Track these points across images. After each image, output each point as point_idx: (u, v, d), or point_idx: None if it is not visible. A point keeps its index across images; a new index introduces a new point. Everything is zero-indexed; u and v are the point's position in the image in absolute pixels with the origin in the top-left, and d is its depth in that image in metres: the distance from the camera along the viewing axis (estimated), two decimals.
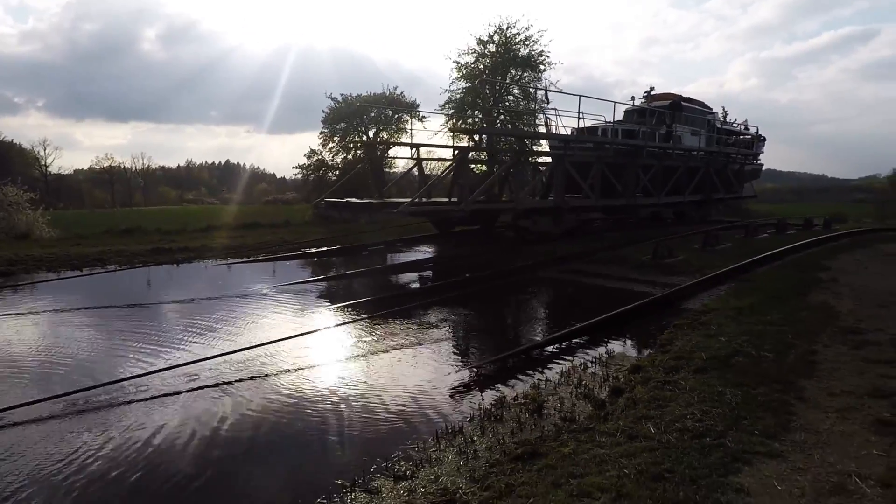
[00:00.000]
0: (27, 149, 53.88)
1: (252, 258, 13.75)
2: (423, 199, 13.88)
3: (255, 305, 8.81)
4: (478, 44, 28.16)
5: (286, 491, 3.65)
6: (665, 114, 18.32)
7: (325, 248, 15.23)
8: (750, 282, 9.24)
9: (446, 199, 15.34)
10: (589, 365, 5.77)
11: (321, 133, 30.12)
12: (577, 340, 6.63)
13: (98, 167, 62.48)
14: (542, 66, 28.07)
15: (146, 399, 5.07)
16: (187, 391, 5.25)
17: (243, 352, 6.21)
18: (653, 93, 20.67)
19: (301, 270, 12.51)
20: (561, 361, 5.96)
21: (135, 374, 5.55)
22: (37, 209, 20.29)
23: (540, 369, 5.70)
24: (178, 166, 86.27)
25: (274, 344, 6.43)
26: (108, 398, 5.08)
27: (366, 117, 29.54)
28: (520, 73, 28.64)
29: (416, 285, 11.03)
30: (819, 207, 27.21)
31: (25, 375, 5.71)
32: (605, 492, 3.14)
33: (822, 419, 4.02)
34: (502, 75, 28.32)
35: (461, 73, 28.87)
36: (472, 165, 21.30)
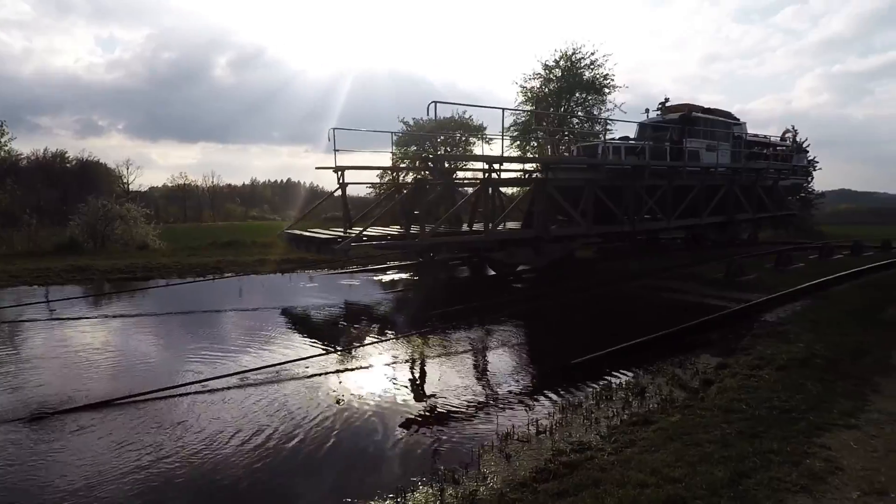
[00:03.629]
0: (111, 168, 58.83)
1: (345, 269, 15.21)
2: (368, 234, 11.90)
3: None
4: (543, 69, 29.49)
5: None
6: (673, 128, 16.55)
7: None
8: (826, 299, 9.76)
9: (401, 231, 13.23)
10: (678, 363, 6.64)
11: (392, 154, 31.93)
12: (663, 345, 7.49)
13: (172, 185, 67.47)
14: (606, 90, 29.07)
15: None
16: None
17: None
18: (668, 104, 18.71)
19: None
20: (654, 360, 6.85)
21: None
22: (149, 223, 22.89)
23: (637, 365, 6.63)
24: (244, 184, 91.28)
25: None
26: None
27: (436, 140, 31.12)
28: (584, 96, 29.69)
29: None
30: None
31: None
32: (712, 443, 4.09)
33: (894, 405, 4.78)
34: (566, 99, 29.42)
35: (526, 97, 30.26)
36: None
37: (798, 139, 30.99)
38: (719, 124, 17.71)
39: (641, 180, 14.45)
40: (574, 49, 28.69)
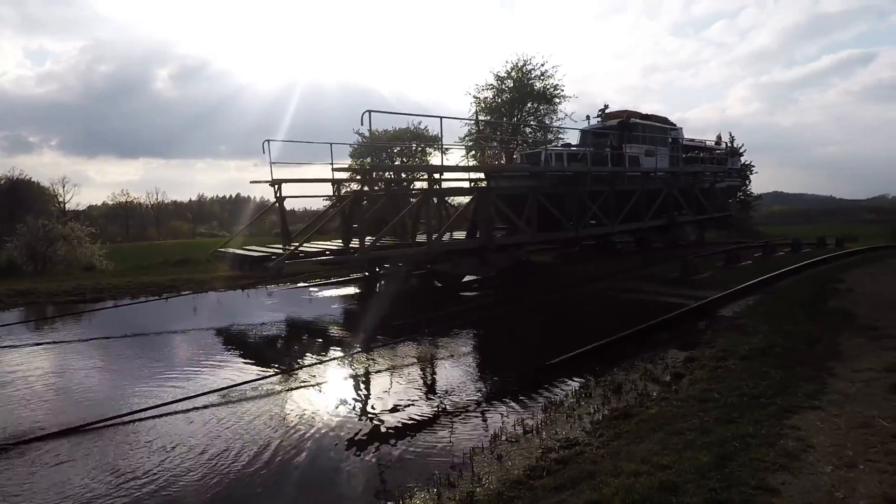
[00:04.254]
0: (45, 186, 55.84)
1: (307, 283, 14.97)
2: (306, 249, 11.26)
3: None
4: (496, 79, 30.12)
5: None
6: (612, 134, 16.55)
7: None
8: (774, 293, 10.36)
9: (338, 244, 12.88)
10: (648, 359, 6.90)
11: (349, 166, 31.70)
12: (632, 342, 7.76)
13: (113, 202, 64.68)
14: (556, 99, 29.98)
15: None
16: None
17: None
18: (608, 111, 18.82)
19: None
20: (624, 357, 7.08)
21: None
22: (94, 243, 21.80)
23: (609, 363, 6.84)
24: (190, 200, 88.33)
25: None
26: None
27: (391, 151, 31.14)
28: (535, 106, 30.50)
29: None
30: (830, 228, 28.30)
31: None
32: (693, 431, 4.29)
33: (849, 386, 5.14)
34: (519, 109, 30.14)
35: (480, 108, 30.79)
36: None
37: (735, 145, 32.90)
38: (657, 129, 17.84)
39: (584, 186, 14.59)
40: (525, 60, 29.45)
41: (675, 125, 19.15)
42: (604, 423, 4.85)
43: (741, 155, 32.96)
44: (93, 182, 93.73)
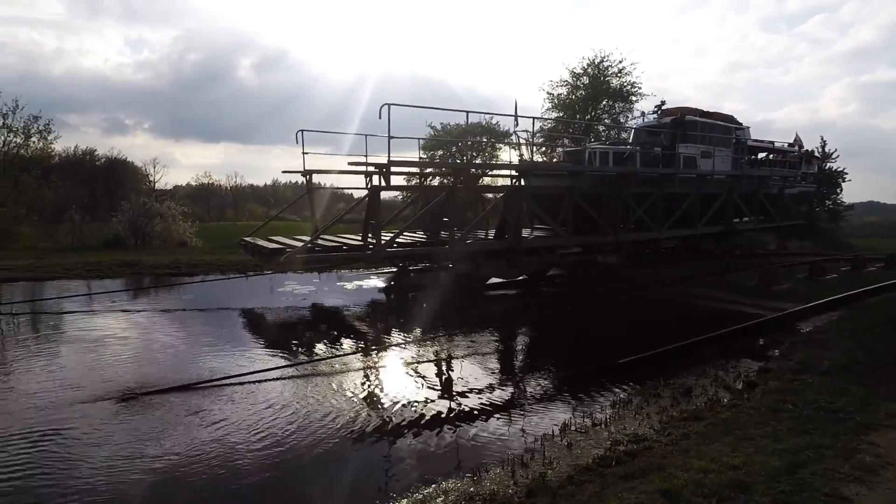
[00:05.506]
0: (139, 166, 60.21)
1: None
2: (320, 244, 11.21)
3: None
4: (571, 76, 29.76)
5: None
6: (665, 133, 15.57)
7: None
8: (861, 309, 9.87)
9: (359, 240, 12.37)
10: (720, 366, 6.88)
11: (420, 159, 32.37)
12: (704, 349, 7.73)
13: (196, 184, 68.98)
14: (633, 97, 29.25)
15: None
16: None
17: None
18: (665, 107, 17.84)
19: None
20: (695, 363, 7.09)
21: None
22: (185, 221, 23.64)
23: (680, 367, 6.88)
24: (265, 184, 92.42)
25: None
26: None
27: (461, 144, 31.49)
28: (611, 104, 29.91)
29: None
30: None
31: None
32: (765, 437, 4.36)
33: None
34: (593, 106, 29.66)
35: (553, 104, 30.54)
36: None
37: (826, 149, 30.76)
38: (718, 129, 16.54)
39: (628, 188, 13.67)
40: (602, 57, 28.93)
41: (740, 124, 17.82)
42: (672, 423, 4.98)
43: (829, 159, 30.76)
44: (178, 164, 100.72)
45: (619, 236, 13.74)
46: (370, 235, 11.65)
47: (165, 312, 9.84)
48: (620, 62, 28.75)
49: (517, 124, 15.37)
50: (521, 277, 12.88)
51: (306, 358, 7.25)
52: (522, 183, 12.80)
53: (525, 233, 13.46)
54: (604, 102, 29.68)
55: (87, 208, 28.07)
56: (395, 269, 14.10)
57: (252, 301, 10.99)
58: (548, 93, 30.38)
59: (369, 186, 12.00)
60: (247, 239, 12.45)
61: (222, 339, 8.17)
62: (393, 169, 11.48)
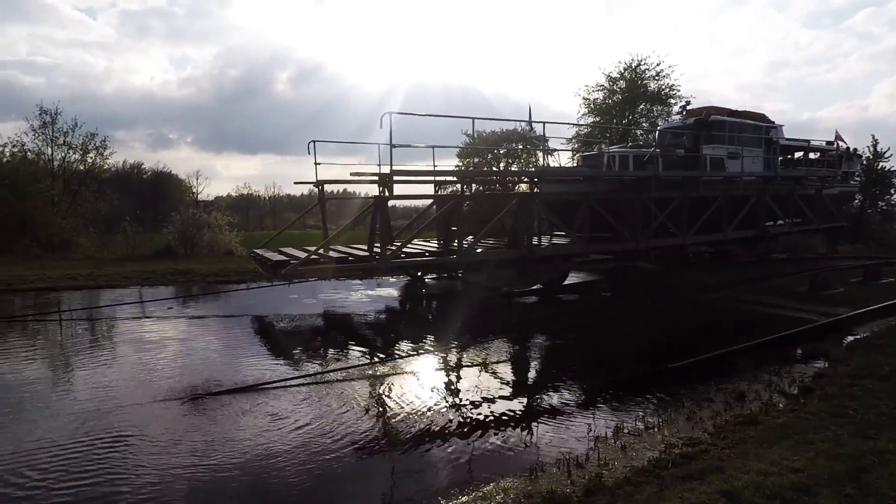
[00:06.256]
0: (182, 178, 62.49)
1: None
2: (324, 254, 10.95)
3: None
4: (607, 80, 29.54)
5: None
6: (688, 134, 15.03)
7: None
8: None
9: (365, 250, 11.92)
10: (773, 371, 6.77)
11: (456, 167, 32.63)
12: (756, 355, 7.61)
13: (236, 194, 71.10)
14: (671, 100, 28.79)
15: None
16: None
17: None
18: (689, 107, 17.15)
19: None
20: (748, 368, 7.00)
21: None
22: (232, 231, 24.46)
23: (731, 371, 6.81)
24: (302, 194, 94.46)
25: None
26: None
27: (497, 151, 31.60)
28: (648, 107, 29.51)
29: None
30: None
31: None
32: (825, 442, 4.32)
33: None
34: (630, 110, 29.33)
35: (589, 109, 30.35)
36: None
37: (879, 148, 29.45)
38: (748, 128, 15.83)
39: (648, 192, 13.06)
40: (639, 60, 28.64)
41: (772, 122, 16.98)
42: (727, 427, 4.97)
43: (881, 158, 29.38)
44: (219, 175, 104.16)
45: (639, 243, 13.14)
46: (376, 245, 11.20)
47: (229, 318, 10.30)
48: (658, 65, 28.37)
49: (531, 130, 15.13)
50: (535, 287, 12.41)
51: (379, 358, 7.48)
52: (538, 189, 12.58)
53: (546, 241, 13.20)
54: (641, 106, 29.32)
55: (137, 219, 29.35)
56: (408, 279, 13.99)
57: (292, 308, 11.36)
58: (584, 98, 30.17)
59: (373, 196, 11.68)
60: (257, 251, 12.29)
61: (276, 341, 8.52)
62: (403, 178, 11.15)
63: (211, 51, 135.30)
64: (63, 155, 26.08)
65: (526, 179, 13.70)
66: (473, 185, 16.96)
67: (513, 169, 25.87)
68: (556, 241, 13.38)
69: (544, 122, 12.63)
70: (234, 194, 73.41)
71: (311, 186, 12.80)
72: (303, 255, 10.66)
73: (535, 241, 12.32)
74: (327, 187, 13.01)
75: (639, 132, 28.93)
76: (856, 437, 4.38)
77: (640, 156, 13.80)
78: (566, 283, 13.22)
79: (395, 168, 10.27)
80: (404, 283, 14.27)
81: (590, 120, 29.78)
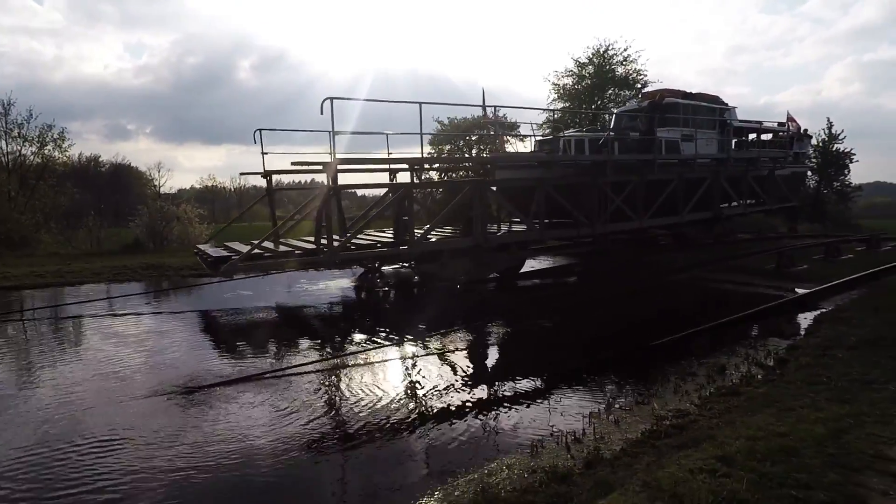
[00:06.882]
0: (142, 171, 60.47)
1: None
2: (270, 248, 10.46)
3: None
4: (576, 66, 29.85)
5: None
6: (641, 117, 14.94)
7: None
8: (882, 288, 10.06)
9: (312, 246, 10.92)
10: (749, 345, 7.11)
11: (428, 154, 32.53)
12: (730, 330, 7.96)
13: (200, 186, 69.23)
14: (638, 85, 29.29)
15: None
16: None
17: None
18: (644, 90, 17.13)
19: None
20: (723, 343, 7.32)
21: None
22: (202, 223, 23.93)
23: (710, 347, 7.12)
24: (279, 184, 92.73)
25: None
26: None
27: (469, 138, 31.63)
28: (617, 92, 29.96)
29: None
30: None
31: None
32: (805, 408, 4.58)
33: None
34: (599, 95, 29.74)
35: (559, 94, 30.66)
36: None
37: (833, 130, 30.64)
38: (702, 110, 15.79)
39: (604, 176, 12.89)
40: (607, 45, 29.00)
41: (726, 104, 17.06)
42: (712, 399, 5.21)
43: (836, 140, 30.50)
44: (181, 167, 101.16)
45: (595, 228, 13.04)
46: (323, 237, 10.51)
47: (199, 312, 10.14)
48: (625, 50, 28.80)
49: (484, 114, 14.52)
50: (491, 276, 12.33)
51: (370, 345, 7.50)
52: (492, 177, 12.48)
53: (505, 228, 13.24)
54: (609, 91, 29.74)
55: (100, 213, 28.39)
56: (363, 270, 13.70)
57: (271, 299, 11.27)
58: (553, 83, 30.45)
59: (317, 186, 11.32)
60: (199, 246, 11.94)
61: (258, 333, 8.46)
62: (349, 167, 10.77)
63: (168, 38, 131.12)
64: (18, 148, 24.99)
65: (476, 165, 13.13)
66: (433, 172, 16.37)
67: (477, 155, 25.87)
68: (515, 228, 13.25)
69: (495, 107, 12.35)
70: (198, 186, 71.16)
71: (285, 177, 12.61)
72: (243, 249, 10.26)
73: (492, 228, 12.20)
74: (296, 178, 12.73)
75: (606, 116, 29.46)
76: (832, 402, 4.67)
77: (596, 140, 13.64)
78: (537, 269, 13.21)
79: (340, 156, 9.81)
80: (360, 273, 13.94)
81: (559, 105, 30.14)
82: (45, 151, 25.27)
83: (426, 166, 19.45)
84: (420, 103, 10.37)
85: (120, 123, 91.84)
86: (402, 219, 11.73)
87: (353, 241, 10.95)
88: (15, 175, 24.59)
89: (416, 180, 12.86)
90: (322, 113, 8.91)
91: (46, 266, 14.81)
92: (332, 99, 9.05)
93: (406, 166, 12.73)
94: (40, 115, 29.61)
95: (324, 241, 10.07)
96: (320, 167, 10.56)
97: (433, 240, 11.49)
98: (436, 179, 22.28)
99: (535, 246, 13.87)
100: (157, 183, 63.02)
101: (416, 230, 11.07)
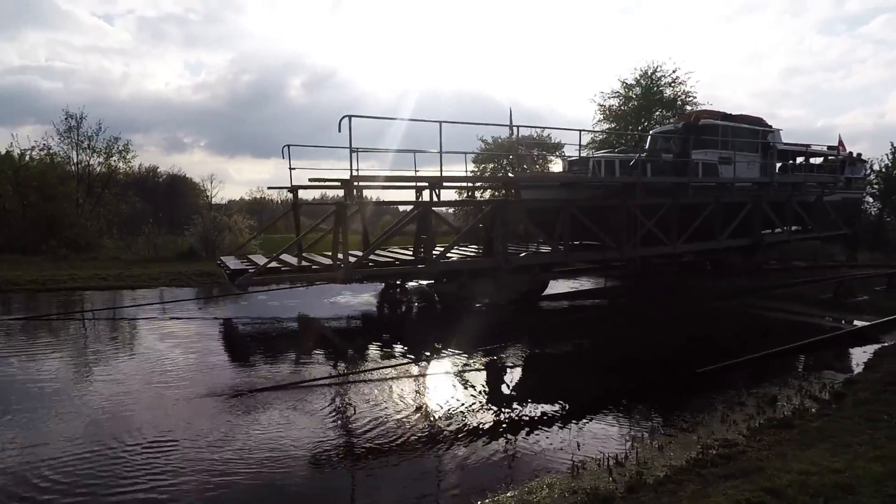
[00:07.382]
0: (196, 182, 63.00)
1: None
2: (289, 262, 10.64)
3: None
4: (623, 87, 29.61)
5: None
6: (673, 138, 14.49)
7: None
8: None
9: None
10: (802, 377, 6.84)
11: (471, 172, 32.79)
12: (784, 360, 7.67)
13: (249, 198, 71.62)
14: (687, 107, 28.77)
15: None
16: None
17: None
18: (685, 112, 16.28)
19: None
20: (777, 373, 7.07)
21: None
22: (251, 233, 24.80)
23: (761, 377, 6.89)
24: (313, 199, 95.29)
25: None
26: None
27: (510, 158, 31.70)
28: (664, 113, 29.51)
29: None
30: None
31: None
32: (862, 445, 4.40)
33: None
34: (646, 117, 29.34)
35: (605, 115, 30.43)
36: None
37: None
38: (742, 132, 15.19)
39: (633, 199, 12.51)
40: (655, 67, 28.70)
41: (769, 126, 16.35)
42: (762, 430, 5.05)
43: (864, 163, 28.80)
44: (232, 179, 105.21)
45: (623, 251, 12.57)
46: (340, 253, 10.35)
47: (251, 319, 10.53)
48: (674, 71, 28.41)
49: (511, 133, 14.11)
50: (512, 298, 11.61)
51: (409, 359, 7.65)
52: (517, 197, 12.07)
53: (532, 248, 12.88)
54: (657, 112, 29.33)
55: (157, 221, 29.85)
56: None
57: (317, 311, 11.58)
58: (599, 104, 30.28)
59: (335, 202, 11.25)
60: (222, 258, 12.08)
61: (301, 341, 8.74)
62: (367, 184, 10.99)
63: (225, 56, 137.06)
64: (87, 158, 26.65)
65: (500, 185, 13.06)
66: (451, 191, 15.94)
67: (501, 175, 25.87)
68: (542, 249, 12.78)
69: (518, 126, 12.02)
70: (247, 198, 73.76)
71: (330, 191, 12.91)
72: (252, 265, 10.33)
73: (520, 249, 12.07)
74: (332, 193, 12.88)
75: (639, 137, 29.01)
76: (893, 440, 4.46)
77: (627, 161, 13.12)
78: (583, 289, 12.99)
79: (357, 174, 9.93)
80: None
81: (604, 126, 29.91)
82: (111, 162, 26.83)
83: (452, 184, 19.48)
84: (440, 122, 10.20)
85: (177, 136, 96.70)
86: (422, 236, 11.65)
87: (372, 257, 10.86)
88: (83, 183, 26.19)
89: (435, 198, 12.40)
90: (340, 130, 8.93)
91: (109, 269, 15.68)
92: (350, 117, 9.08)
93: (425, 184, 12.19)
94: (108, 129, 31.56)
95: (340, 257, 10.03)
96: (339, 184, 10.74)
97: (453, 259, 11.38)
98: (457, 198, 22.05)
99: (559, 269, 13.49)
100: (209, 194, 65.78)
101: (437, 247, 10.98)
